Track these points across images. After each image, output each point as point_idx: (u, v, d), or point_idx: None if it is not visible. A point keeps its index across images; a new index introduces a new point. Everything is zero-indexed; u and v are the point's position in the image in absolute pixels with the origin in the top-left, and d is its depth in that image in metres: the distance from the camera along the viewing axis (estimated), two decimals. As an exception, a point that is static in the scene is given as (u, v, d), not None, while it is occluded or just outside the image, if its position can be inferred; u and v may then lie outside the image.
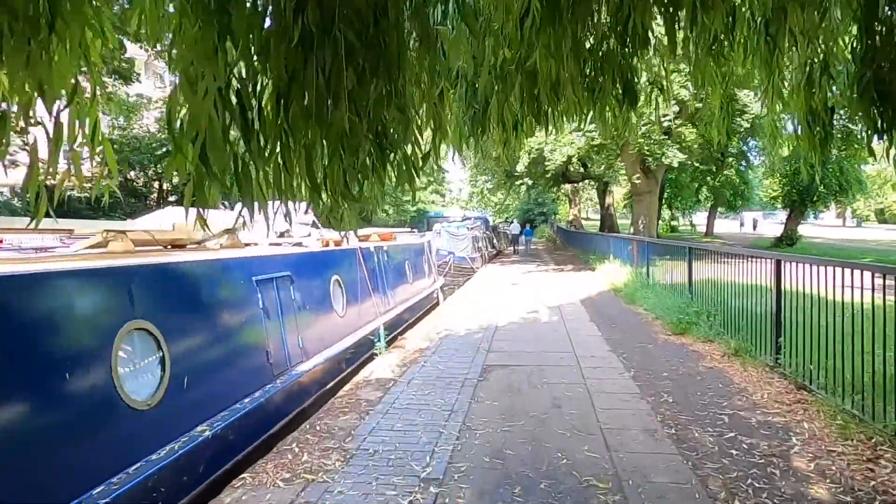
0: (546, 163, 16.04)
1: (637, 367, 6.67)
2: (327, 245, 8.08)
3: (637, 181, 17.67)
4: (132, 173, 27.78)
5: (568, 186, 49.14)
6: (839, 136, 27.77)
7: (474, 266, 21.00)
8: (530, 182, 17.63)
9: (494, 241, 31.89)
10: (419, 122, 2.44)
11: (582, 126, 14.04)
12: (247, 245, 6.98)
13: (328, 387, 6.59)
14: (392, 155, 2.35)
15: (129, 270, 3.85)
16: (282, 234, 8.20)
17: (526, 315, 10.60)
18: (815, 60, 3.63)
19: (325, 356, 6.69)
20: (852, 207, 56.14)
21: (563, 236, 39.39)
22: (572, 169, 36.34)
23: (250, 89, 1.90)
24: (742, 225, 58.32)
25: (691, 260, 9.47)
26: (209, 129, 1.62)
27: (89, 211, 22.83)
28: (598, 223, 43.69)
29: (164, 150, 26.51)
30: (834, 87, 3.80)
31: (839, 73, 3.66)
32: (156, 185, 28.94)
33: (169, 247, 5.90)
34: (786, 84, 3.58)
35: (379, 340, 7.91)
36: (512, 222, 43.22)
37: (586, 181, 43.26)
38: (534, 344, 8.11)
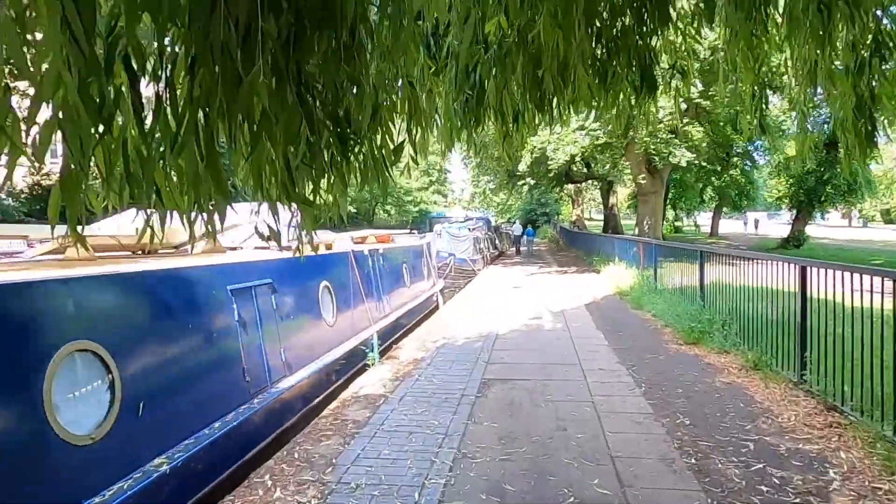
0: (549, 162, 15.51)
1: (648, 383, 6.14)
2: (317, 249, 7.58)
3: (643, 181, 17.12)
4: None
5: (571, 187, 48.69)
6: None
7: (475, 268, 20.48)
8: (533, 182, 17.10)
9: (497, 241, 31.35)
10: (390, 103, 1.92)
11: (591, 118, 13.47)
12: (230, 250, 6.49)
13: (314, 403, 6.08)
14: (357, 146, 1.84)
15: (69, 282, 3.34)
16: (268, 239, 7.70)
17: (528, 321, 10.08)
18: (866, 40, 3.11)
19: (312, 370, 6.19)
20: (859, 208, 55.44)
21: (566, 237, 38.85)
22: (575, 169, 35.82)
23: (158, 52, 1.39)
24: (746, 224, 57.64)
25: (703, 263, 8.94)
26: (65, 104, 1.11)
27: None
28: (602, 224, 43.17)
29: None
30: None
31: (892, 54, 3.14)
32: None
33: (138, 252, 5.41)
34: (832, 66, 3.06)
35: (371, 351, 7.42)
36: (514, 223, 42.68)
37: (590, 181, 42.87)
38: (537, 354, 7.59)
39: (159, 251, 5.63)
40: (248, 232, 6.10)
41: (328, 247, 8.04)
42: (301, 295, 6.58)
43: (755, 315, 6.87)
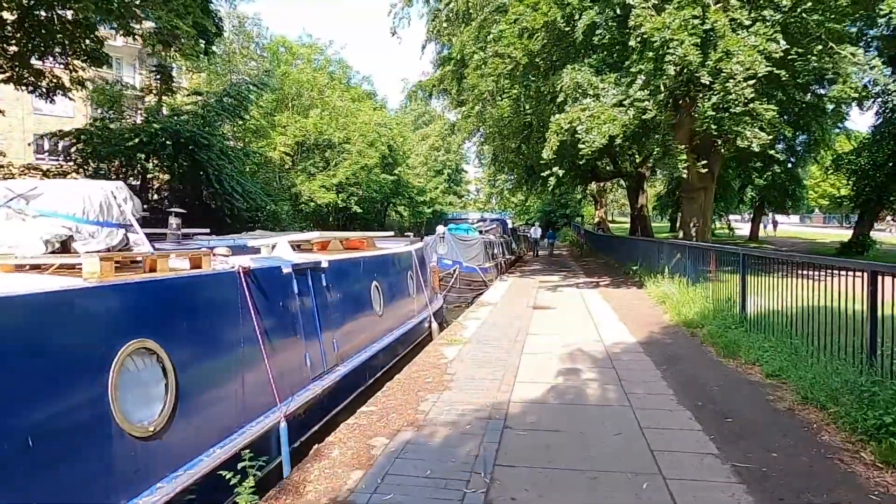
0: (580, 145, 11.63)
1: None
2: (152, 269, 3.80)
3: (703, 170, 13.11)
4: (101, 165, 23.97)
5: (593, 186, 44.48)
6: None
7: (486, 278, 16.58)
8: (561, 172, 13.09)
9: (513, 245, 27.39)
10: None
11: (638, 83, 9.53)
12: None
13: None
14: None
15: None
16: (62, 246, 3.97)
17: (558, 378, 6.19)
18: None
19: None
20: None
21: (590, 241, 34.65)
22: (601, 165, 31.75)
23: None
24: (765, 226, 52.34)
25: (875, 288, 4.89)
26: None
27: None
28: (627, 226, 38.94)
29: (137, 140, 22.64)
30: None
31: None
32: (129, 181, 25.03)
33: None
34: None
35: (241, 482, 3.51)
36: (533, 225, 38.72)
37: (616, 179, 38.64)
38: (583, 479, 3.71)
39: None
40: None
41: (196, 262, 4.27)
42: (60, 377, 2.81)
43: None
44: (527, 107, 16.15)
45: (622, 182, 39.19)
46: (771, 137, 12.06)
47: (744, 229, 47.05)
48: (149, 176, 24.59)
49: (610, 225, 47.47)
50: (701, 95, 11.72)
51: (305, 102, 35.99)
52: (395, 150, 40.94)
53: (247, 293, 4.49)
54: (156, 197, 26.80)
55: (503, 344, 7.98)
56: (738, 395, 5.48)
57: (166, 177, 25.94)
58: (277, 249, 7.05)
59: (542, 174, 13.31)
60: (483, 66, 14.53)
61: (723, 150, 13.65)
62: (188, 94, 27.32)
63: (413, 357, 7.80)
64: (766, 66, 10.38)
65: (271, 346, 4.79)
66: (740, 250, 8.19)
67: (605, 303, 11.98)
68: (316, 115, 34.04)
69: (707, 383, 5.86)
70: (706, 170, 13.32)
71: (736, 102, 11.01)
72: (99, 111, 27.62)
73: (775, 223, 50.92)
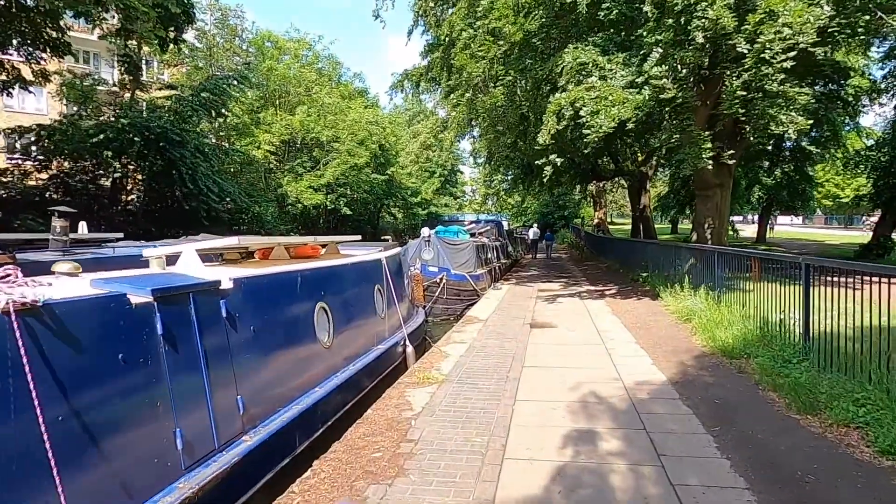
0: (585, 130, 9.65)
1: None
2: None
3: (730, 161, 11.09)
4: (67, 164, 21.97)
5: (592, 187, 42.44)
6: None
7: (478, 287, 14.55)
8: (558, 161, 11.02)
9: (509, 248, 25.37)
10: None
11: (654, 58, 7.70)
12: None
13: None
14: None
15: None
16: None
17: (564, 451, 4.18)
18: None
19: None
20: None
21: (591, 243, 32.64)
22: (602, 163, 29.73)
23: None
24: (772, 228, 50.18)
25: None
26: None
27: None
28: (629, 228, 36.95)
29: (102, 136, 20.60)
30: None
31: None
32: (100, 181, 23.01)
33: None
34: None
35: None
36: (531, 226, 36.75)
37: (616, 179, 36.61)
38: None
39: None
40: None
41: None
42: None
43: None
44: (523, 98, 14.16)
45: (623, 182, 37.25)
46: (811, 122, 10.07)
47: (746, 231, 45.05)
48: (117, 175, 22.55)
49: (609, 227, 45.49)
50: (728, 73, 9.71)
51: (293, 100, 33.98)
52: (388, 150, 38.91)
53: (20, 349, 2.48)
54: (131, 198, 24.83)
55: (490, 384, 5.97)
56: (850, 489, 3.47)
57: (142, 177, 24.00)
58: (181, 262, 5.06)
59: (537, 162, 11.24)
60: (472, 44, 12.55)
61: (751, 138, 11.63)
62: (160, 88, 25.25)
63: (379, 394, 5.83)
64: (813, 31, 8.38)
65: (93, 435, 2.80)
66: (800, 258, 6.16)
67: (615, 318, 9.98)
68: (303, 112, 32.03)
69: (791, 464, 3.85)
70: (733, 161, 11.30)
71: (772, 79, 9.01)
72: (75, 108, 25.62)
73: (772, 224, 48.82)
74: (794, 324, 6.30)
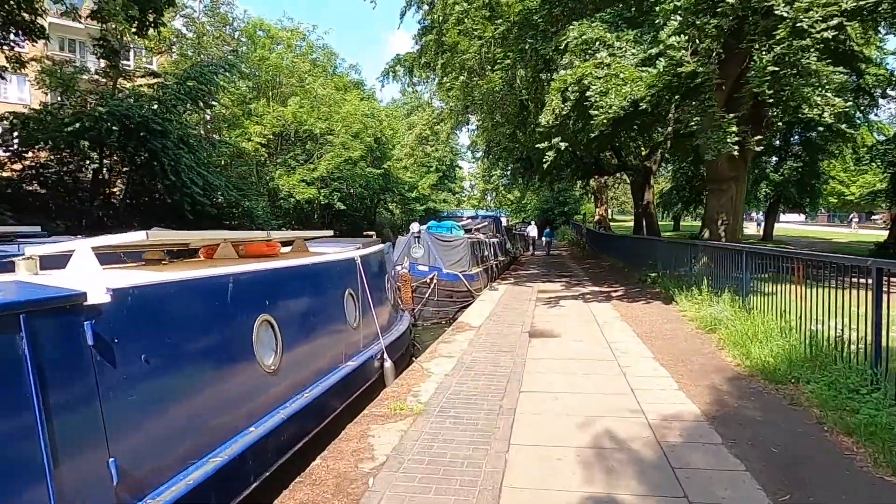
0: (593, 111, 8.38)
1: None
2: None
3: (758, 147, 9.77)
4: (43, 155, 20.64)
5: (594, 183, 41.05)
6: None
7: (472, 287, 13.27)
8: (562, 145, 9.67)
9: (508, 245, 24.07)
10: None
11: (671, 27, 6.35)
12: None
13: None
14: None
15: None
16: None
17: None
18: None
19: None
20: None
21: (592, 240, 31.35)
22: (605, 158, 28.39)
23: None
24: (759, 225, 48.60)
25: None
26: None
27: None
28: (631, 224, 35.63)
29: (78, 125, 19.26)
30: None
31: None
32: (80, 173, 21.70)
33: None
34: None
35: None
36: (530, 223, 35.50)
37: (619, 174, 35.24)
38: None
39: None
40: None
41: None
42: None
43: None
44: (522, 86, 12.85)
45: (625, 177, 35.89)
46: (850, 104, 8.77)
47: (749, 228, 43.73)
48: (96, 167, 21.24)
49: (610, 223, 44.19)
50: (757, 46, 8.40)
51: (286, 91, 32.61)
52: (385, 144, 37.53)
53: None
54: (114, 191, 23.51)
55: (479, 418, 4.69)
56: None
57: (126, 169, 22.72)
58: (70, 264, 3.79)
59: (538, 146, 9.93)
60: (466, 20, 11.24)
61: (779, 123, 10.36)
62: (142, 76, 23.88)
63: (344, 425, 4.58)
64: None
65: None
66: (870, 260, 4.88)
67: (626, 327, 8.70)
68: (296, 103, 30.66)
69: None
70: (760, 147, 9.98)
71: (809, 54, 7.70)
72: (59, 98, 24.24)
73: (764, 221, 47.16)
74: (856, 341, 5.02)
